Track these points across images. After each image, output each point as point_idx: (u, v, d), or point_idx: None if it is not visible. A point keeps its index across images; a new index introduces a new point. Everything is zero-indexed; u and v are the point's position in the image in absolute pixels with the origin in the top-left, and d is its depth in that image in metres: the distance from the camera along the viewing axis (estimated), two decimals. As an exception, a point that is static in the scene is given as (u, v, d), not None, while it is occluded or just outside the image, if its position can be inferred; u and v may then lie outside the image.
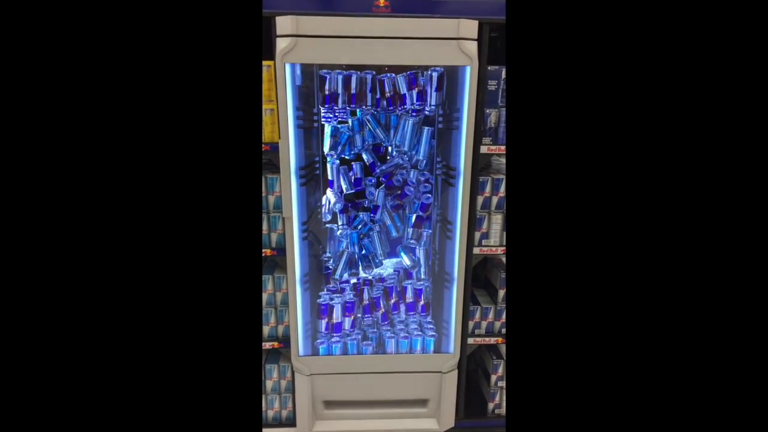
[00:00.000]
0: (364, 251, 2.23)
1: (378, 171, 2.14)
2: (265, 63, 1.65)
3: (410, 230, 2.14)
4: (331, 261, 2.29)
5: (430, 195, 2.12)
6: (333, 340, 2.06)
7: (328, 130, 2.14)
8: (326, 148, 2.13)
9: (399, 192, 2.16)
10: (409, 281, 2.21)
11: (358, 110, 2.06)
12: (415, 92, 1.95)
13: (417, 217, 2.13)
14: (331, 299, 2.09)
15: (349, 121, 2.10)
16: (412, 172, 2.12)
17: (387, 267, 2.36)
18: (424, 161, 2.10)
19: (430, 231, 2.20)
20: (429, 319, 2.20)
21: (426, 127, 2.06)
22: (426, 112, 2.03)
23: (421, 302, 2.19)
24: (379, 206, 2.15)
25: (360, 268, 2.25)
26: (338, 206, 2.15)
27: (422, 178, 2.12)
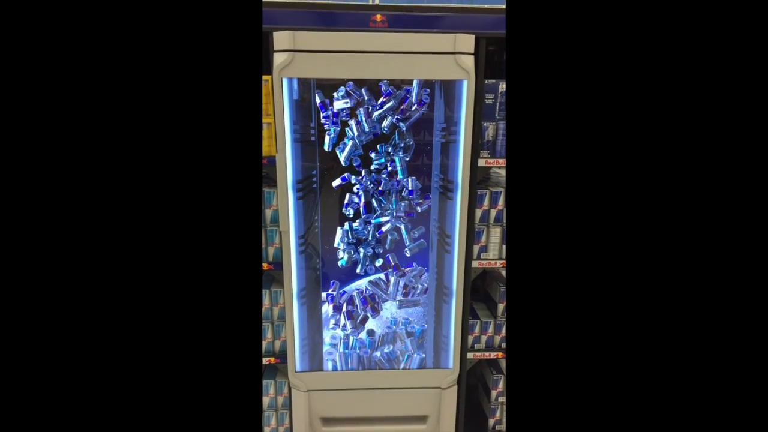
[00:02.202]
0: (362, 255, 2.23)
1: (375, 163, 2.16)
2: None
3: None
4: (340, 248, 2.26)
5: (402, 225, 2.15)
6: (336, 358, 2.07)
7: (327, 139, 2.11)
8: (342, 158, 2.11)
9: (380, 180, 2.17)
10: (395, 275, 2.21)
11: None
12: (399, 106, 1.99)
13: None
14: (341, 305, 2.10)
15: (352, 123, 2.08)
16: (400, 175, 2.12)
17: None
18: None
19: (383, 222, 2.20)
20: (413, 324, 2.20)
21: (400, 156, 2.05)
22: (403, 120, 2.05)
23: (418, 288, 2.19)
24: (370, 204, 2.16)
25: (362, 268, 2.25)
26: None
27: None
